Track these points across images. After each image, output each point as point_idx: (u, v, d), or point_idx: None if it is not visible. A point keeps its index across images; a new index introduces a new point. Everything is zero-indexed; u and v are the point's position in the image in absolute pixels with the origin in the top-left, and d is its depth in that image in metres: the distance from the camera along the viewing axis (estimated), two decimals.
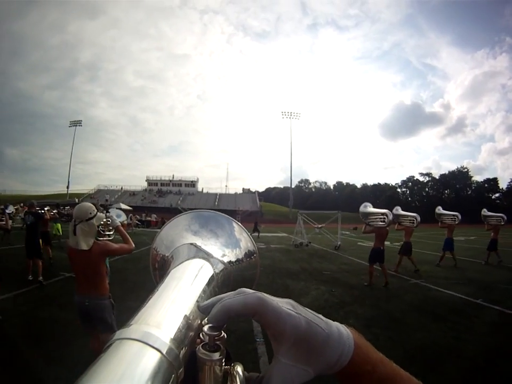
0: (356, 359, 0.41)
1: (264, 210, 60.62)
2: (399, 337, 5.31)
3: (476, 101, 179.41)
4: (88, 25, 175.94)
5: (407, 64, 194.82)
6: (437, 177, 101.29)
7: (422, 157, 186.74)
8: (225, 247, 0.73)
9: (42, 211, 10.13)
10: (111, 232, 3.88)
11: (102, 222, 3.69)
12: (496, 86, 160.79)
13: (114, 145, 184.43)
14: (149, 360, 0.33)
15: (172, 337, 0.37)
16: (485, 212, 13.97)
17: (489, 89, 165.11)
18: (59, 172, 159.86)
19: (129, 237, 3.78)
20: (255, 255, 0.76)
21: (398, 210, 12.06)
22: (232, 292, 0.41)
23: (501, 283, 9.39)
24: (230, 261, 0.71)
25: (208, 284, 0.57)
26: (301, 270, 11.60)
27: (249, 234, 0.78)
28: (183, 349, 0.39)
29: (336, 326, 0.42)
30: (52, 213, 12.07)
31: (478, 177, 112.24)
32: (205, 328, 0.40)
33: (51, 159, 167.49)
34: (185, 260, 0.63)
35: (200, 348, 0.39)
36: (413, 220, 11.53)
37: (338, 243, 18.43)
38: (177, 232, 0.76)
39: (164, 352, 0.34)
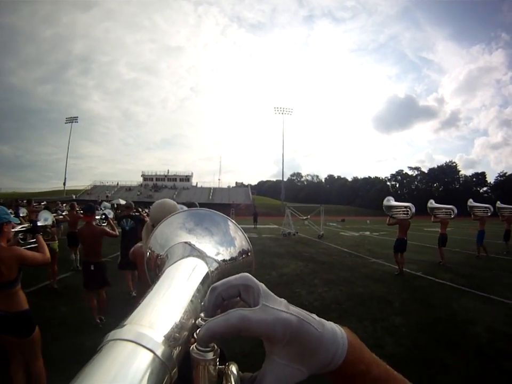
0: (350, 359, 0.41)
1: (257, 204, 62.55)
2: (346, 289, 8.11)
3: (470, 96, 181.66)
4: (81, 17, 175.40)
5: (402, 57, 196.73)
6: (426, 171, 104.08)
7: (415, 150, 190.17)
8: (219, 245, 0.72)
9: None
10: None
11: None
12: (490, 81, 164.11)
13: (106, 139, 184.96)
14: (142, 361, 0.33)
15: (166, 337, 0.38)
16: (471, 202, 14.11)
17: (484, 84, 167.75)
18: (53, 168, 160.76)
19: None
20: (249, 253, 0.75)
21: (433, 203, 12.59)
22: (233, 277, 0.44)
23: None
24: (225, 259, 0.70)
25: (203, 282, 0.57)
26: (285, 252, 14.45)
27: (244, 232, 0.77)
28: (177, 349, 0.39)
29: (330, 325, 0.43)
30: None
31: (469, 171, 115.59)
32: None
33: (45, 154, 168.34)
34: (180, 259, 0.63)
35: (194, 347, 0.40)
36: (449, 212, 11.96)
37: (321, 232, 21.06)
38: (172, 231, 0.76)
39: (157, 353, 0.35)
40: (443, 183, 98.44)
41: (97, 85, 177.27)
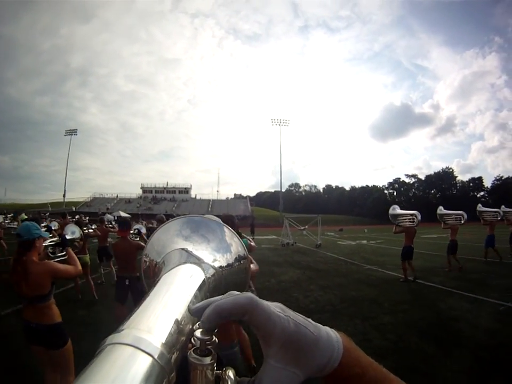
0: (346, 362, 0.41)
1: (256, 215, 63.08)
2: (340, 293, 8.67)
3: (465, 101, 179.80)
4: (80, 29, 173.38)
5: (397, 65, 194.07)
6: (423, 178, 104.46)
7: (412, 157, 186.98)
8: (216, 252, 0.73)
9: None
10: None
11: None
12: (485, 86, 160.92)
13: (104, 151, 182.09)
14: (140, 365, 0.33)
15: (164, 341, 0.38)
16: (480, 207, 14.03)
17: (478, 88, 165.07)
18: (50, 179, 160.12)
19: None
20: (245, 260, 0.76)
21: (442, 210, 12.55)
22: (222, 295, 0.43)
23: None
24: (221, 265, 0.71)
25: (199, 288, 0.57)
26: (283, 261, 15.03)
27: (240, 239, 0.78)
28: (175, 353, 0.39)
29: (325, 329, 0.43)
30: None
31: (467, 176, 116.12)
32: (196, 332, 0.41)
33: (42, 166, 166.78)
34: (177, 265, 0.64)
35: (192, 352, 0.40)
36: (459, 218, 11.88)
37: (319, 242, 21.53)
38: (169, 238, 0.76)
39: (156, 357, 0.35)
40: (440, 190, 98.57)
41: (95, 97, 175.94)
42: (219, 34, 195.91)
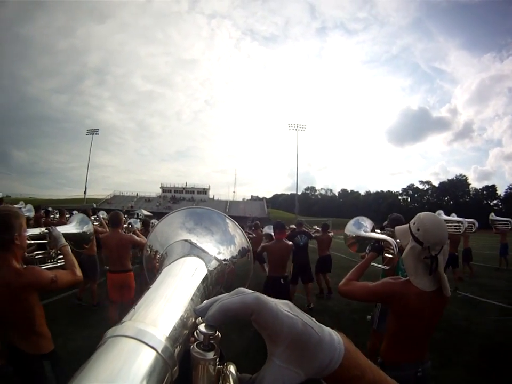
0: (346, 364, 0.42)
1: (272, 217, 65.11)
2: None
3: (483, 105, 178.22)
4: (96, 29, 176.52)
5: (415, 68, 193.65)
6: (437, 185, 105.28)
7: (429, 163, 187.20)
8: (219, 244, 0.73)
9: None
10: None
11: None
12: (503, 90, 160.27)
13: (121, 149, 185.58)
14: (144, 358, 0.33)
15: (167, 335, 0.38)
16: (492, 216, 13.86)
17: (496, 93, 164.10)
18: (66, 176, 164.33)
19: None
20: (248, 252, 0.76)
21: (493, 216, 12.73)
22: (229, 293, 0.42)
23: None
24: (224, 258, 0.71)
25: (203, 281, 0.57)
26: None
27: (243, 231, 0.78)
28: (178, 347, 0.39)
29: (328, 330, 0.43)
30: None
31: (485, 182, 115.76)
32: (200, 327, 0.40)
33: (57, 162, 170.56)
34: (180, 257, 0.63)
35: (195, 346, 0.39)
36: (470, 225, 11.45)
37: None
38: (172, 229, 0.76)
39: (159, 350, 0.35)
40: (454, 197, 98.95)
41: (112, 96, 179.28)
42: (236, 35, 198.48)
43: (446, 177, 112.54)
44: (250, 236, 9.34)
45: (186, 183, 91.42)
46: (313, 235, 9.33)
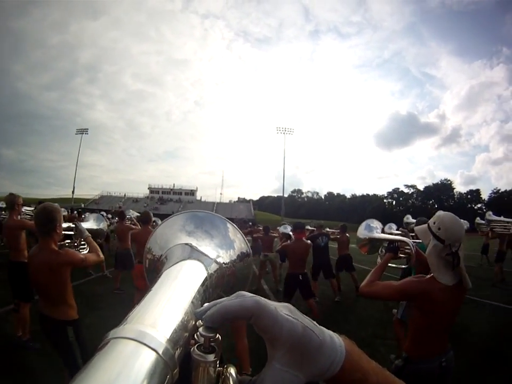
0: (347, 367, 0.41)
1: (258, 219, 65.70)
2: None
3: (471, 111, 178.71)
4: (89, 26, 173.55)
5: (406, 73, 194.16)
6: (422, 189, 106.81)
7: (416, 167, 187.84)
8: (219, 247, 0.73)
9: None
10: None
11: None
12: (492, 97, 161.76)
13: (110, 148, 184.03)
14: (144, 360, 0.33)
15: (168, 337, 0.38)
16: (490, 215, 14.08)
17: (485, 99, 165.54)
18: (54, 174, 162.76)
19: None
20: (248, 256, 0.76)
21: (491, 215, 12.78)
22: (229, 297, 0.42)
23: None
24: (224, 261, 0.71)
25: (202, 284, 0.57)
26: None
27: (243, 235, 0.78)
28: (178, 349, 0.39)
29: (329, 333, 0.43)
30: None
31: (471, 187, 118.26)
32: (201, 329, 0.41)
33: (47, 161, 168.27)
34: (180, 260, 0.63)
35: (195, 349, 0.39)
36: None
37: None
38: (172, 232, 0.76)
39: (160, 352, 0.34)
40: (438, 200, 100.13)
41: (103, 94, 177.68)
42: (229, 36, 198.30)
43: (432, 182, 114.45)
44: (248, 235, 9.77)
45: (174, 184, 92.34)
46: (331, 236, 9.73)
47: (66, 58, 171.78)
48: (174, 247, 0.71)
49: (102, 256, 3.29)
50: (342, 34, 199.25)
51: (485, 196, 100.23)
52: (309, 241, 6.98)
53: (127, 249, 8.32)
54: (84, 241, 3.54)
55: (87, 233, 3.41)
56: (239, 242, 0.78)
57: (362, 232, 4.10)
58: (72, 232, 3.57)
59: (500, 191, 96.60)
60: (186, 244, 0.71)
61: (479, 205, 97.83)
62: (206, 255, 0.69)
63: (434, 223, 2.22)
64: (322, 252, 8.44)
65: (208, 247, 0.72)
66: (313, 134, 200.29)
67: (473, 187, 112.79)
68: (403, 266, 4.12)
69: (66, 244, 3.52)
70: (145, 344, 0.34)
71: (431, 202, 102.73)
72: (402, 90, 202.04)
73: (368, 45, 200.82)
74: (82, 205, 58.89)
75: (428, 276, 2.26)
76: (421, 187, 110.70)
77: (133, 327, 0.37)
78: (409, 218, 8.83)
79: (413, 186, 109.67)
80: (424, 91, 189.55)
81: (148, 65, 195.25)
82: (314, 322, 0.43)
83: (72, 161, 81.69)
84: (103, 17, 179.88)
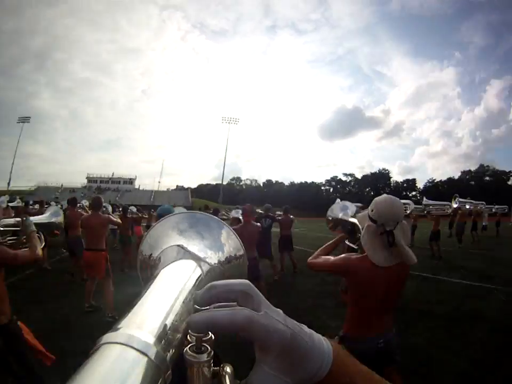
0: (334, 371, 0.42)
1: (195, 206, 68.42)
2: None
3: (416, 108, 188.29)
4: (46, 12, 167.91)
5: (357, 70, 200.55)
6: (360, 178, 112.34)
7: (357, 157, 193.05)
8: (213, 248, 0.73)
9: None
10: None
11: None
12: (437, 96, 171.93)
13: (50, 138, 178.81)
14: (134, 364, 0.33)
15: (159, 339, 0.38)
16: (426, 200, 15.12)
17: (430, 98, 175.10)
18: None
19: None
20: (242, 257, 0.77)
21: (427, 201, 14.48)
22: (225, 284, 0.42)
23: None
24: (217, 262, 0.71)
25: (196, 285, 0.57)
26: None
27: (237, 236, 0.78)
28: (170, 351, 0.39)
29: (318, 338, 0.44)
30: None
31: (406, 177, 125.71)
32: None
33: None
34: (173, 262, 0.64)
35: (188, 349, 0.40)
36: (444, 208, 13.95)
37: None
38: (165, 234, 0.76)
39: (150, 355, 0.35)
40: (375, 188, 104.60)
41: (49, 82, 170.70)
42: (185, 28, 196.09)
43: (370, 171, 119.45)
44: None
45: (113, 173, 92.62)
46: (276, 218, 10.02)
47: (17, 45, 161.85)
48: (168, 248, 0.71)
49: (38, 254, 3.02)
50: (299, 30, 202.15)
51: (420, 185, 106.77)
52: (258, 224, 7.13)
53: (77, 237, 8.44)
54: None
55: (32, 228, 3.19)
56: (233, 244, 0.77)
57: (333, 210, 4.11)
58: (19, 228, 3.38)
59: (435, 181, 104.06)
60: (179, 245, 0.71)
61: (413, 193, 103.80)
62: (199, 256, 0.69)
63: (371, 208, 2.31)
64: (263, 232, 8.33)
65: (201, 248, 0.72)
66: (259, 124, 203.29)
67: (410, 177, 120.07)
68: None
69: (9, 242, 3.35)
70: (134, 348, 0.35)
71: (367, 190, 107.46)
72: (351, 86, 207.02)
73: (323, 41, 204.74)
74: (18, 198, 59.75)
75: (362, 254, 2.34)
76: (358, 176, 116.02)
77: (123, 331, 0.37)
78: (339, 202, 7.94)
79: (351, 175, 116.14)
80: (372, 87, 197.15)
81: (99, 54, 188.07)
82: (304, 327, 0.44)
83: (10, 152, 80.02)
84: (61, 4, 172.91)
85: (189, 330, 0.41)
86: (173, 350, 0.40)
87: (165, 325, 0.42)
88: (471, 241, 16.48)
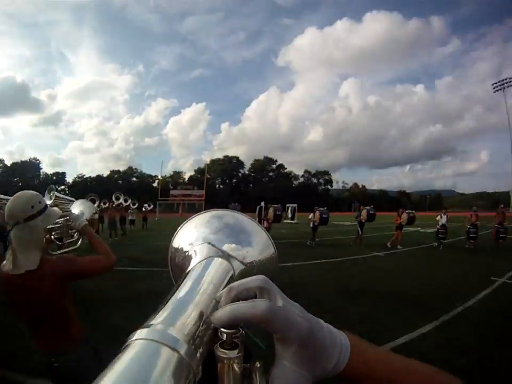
0: (351, 363, 0.43)
1: None
2: None
3: (82, 102, 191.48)
4: None
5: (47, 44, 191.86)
6: (9, 165, 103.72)
7: (9, 140, 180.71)
8: (243, 245, 0.72)
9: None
10: (75, 239, 2.64)
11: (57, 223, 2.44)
12: (105, 96, 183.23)
13: None
14: (165, 360, 0.34)
15: (189, 336, 0.39)
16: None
17: (99, 97, 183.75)
18: None
19: (105, 244, 2.15)
20: (273, 254, 0.76)
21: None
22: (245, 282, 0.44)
23: None
24: (248, 260, 0.70)
25: (227, 283, 0.56)
26: None
27: (267, 232, 0.78)
28: (201, 347, 0.40)
29: (335, 331, 0.45)
30: None
31: (57, 169, 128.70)
32: None
33: None
34: (203, 259, 0.63)
35: (218, 346, 0.40)
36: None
37: None
38: (195, 231, 0.76)
39: (181, 352, 0.35)
40: (24, 178, 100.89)
41: None
42: None
43: (21, 159, 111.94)
44: None
45: None
46: None
47: None
48: (198, 246, 0.71)
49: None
50: None
51: (70, 179, 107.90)
52: None
53: None
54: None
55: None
56: (263, 241, 0.77)
57: None
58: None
59: (85, 177, 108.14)
60: (210, 243, 0.71)
61: (62, 187, 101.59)
62: (229, 253, 0.68)
63: None
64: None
65: (232, 245, 0.71)
66: None
67: (61, 169, 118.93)
68: None
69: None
70: (166, 345, 0.35)
71: (16, 179, 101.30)
72: (29, 60, 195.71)
73: None
74: None
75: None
76: (8, 162, 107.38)
77: (155, 328, 0.38)
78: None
79: (1, 161, 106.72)
80: (50, 68, 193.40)
81: None
82: (321, 321, 0.45)
83: None
84: None
85: (220, 328, 0.41)
86: (203, 347, 0.41)
87: (196, 322, 0.43)
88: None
